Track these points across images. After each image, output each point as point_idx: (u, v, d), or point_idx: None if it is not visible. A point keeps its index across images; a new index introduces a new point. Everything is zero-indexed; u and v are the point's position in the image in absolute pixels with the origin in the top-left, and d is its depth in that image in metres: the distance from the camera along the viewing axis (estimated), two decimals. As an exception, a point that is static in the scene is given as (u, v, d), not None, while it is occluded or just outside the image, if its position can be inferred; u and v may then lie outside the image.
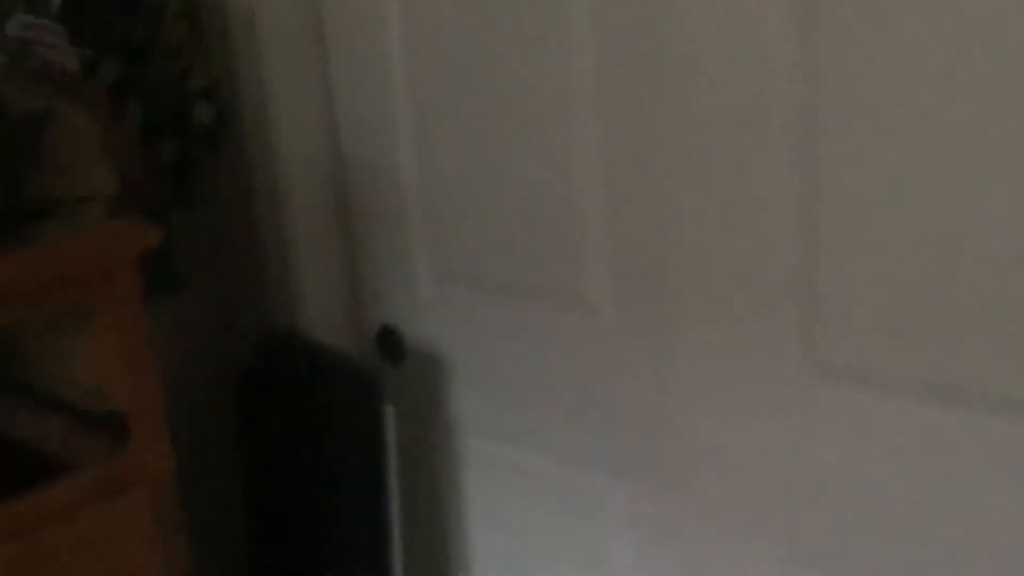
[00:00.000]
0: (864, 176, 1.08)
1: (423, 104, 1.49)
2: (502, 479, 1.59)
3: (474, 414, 1.59)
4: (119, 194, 1.43)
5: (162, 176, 1.65)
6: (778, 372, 1.21)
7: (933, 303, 1.07)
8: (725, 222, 1.21)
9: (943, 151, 1.02)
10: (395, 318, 1.65)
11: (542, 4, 1.30)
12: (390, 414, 1.50)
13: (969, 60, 0.98)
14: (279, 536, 1.62)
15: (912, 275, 1.08)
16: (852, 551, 1.20)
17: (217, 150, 1.66)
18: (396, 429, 1.52)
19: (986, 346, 1.05)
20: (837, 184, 1.10)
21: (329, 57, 1.59)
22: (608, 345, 1.38)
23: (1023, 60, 0.95)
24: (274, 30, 1.57)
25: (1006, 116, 0.98)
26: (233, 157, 1.65)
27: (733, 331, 1.24)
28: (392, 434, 1.50)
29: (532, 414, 1.51)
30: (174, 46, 1.58)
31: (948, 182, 1.03)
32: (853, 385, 1.15)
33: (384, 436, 1.50)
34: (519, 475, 1.56)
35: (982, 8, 0.96)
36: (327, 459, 1.54)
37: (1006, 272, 1.01)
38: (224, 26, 1.59)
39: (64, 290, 1.14)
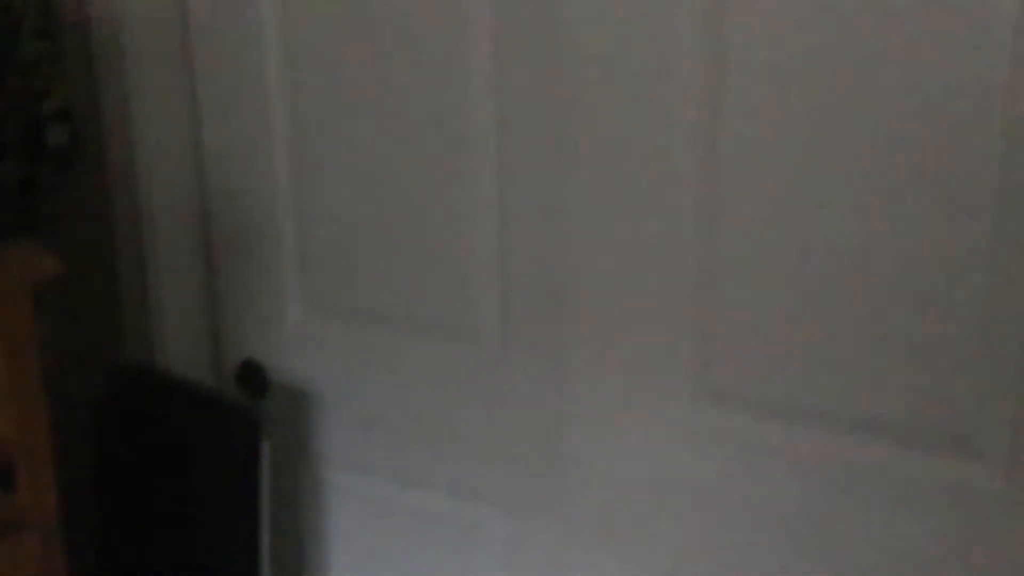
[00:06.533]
0: (759, 211, 1.17)
1: (298, 126, 1.48)
2: (371, 513, 1.59)
3: (342, 448, 1.58)
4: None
5: (5, 198, 1.56)
6: (671, 401, 1.28)
7: (808, 336, 1.18)
8: (620, 254, 1.27)
9: (834, 189, 1.13)
10: (260, 350, 1.62)
11: (435, 19, 1.31)
12: (266, 450, 1.47)
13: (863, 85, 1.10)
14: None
15: (793, 311, 1.18)
16: (738, 570, 1.29)
17: (67, 173, 1.58)
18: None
19: (854, 375, 1.16)
20: (734, 219, 1.19)
21: (197, 77, 1.55)
22: (495, 376, 1.41)
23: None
24: (139, 49, 1.52)
25: (879, 145, 1.09)
26: (90, 180, 1.57)
27: (626, 362, 1.30)
28: (267, 470, 1.48)
29: (406, 446, 1.52)
30: (30, 64, 1.50)
31: (834, 220, 1.13)
32: (743, 411, 1.24)
33: (258, 472, 1.47)
34: (389, 508, 1.57)
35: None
36: (197, 495, 1.49)
37: (879, 305, 1.13)
38: (86, 46, 1.52)
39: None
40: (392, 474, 1.55)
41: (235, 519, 1.48)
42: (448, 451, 1.48)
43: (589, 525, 1.39)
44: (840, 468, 1.20)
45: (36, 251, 1.11)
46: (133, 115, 1.52)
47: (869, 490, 1.18)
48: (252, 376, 1.62)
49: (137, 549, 1.57)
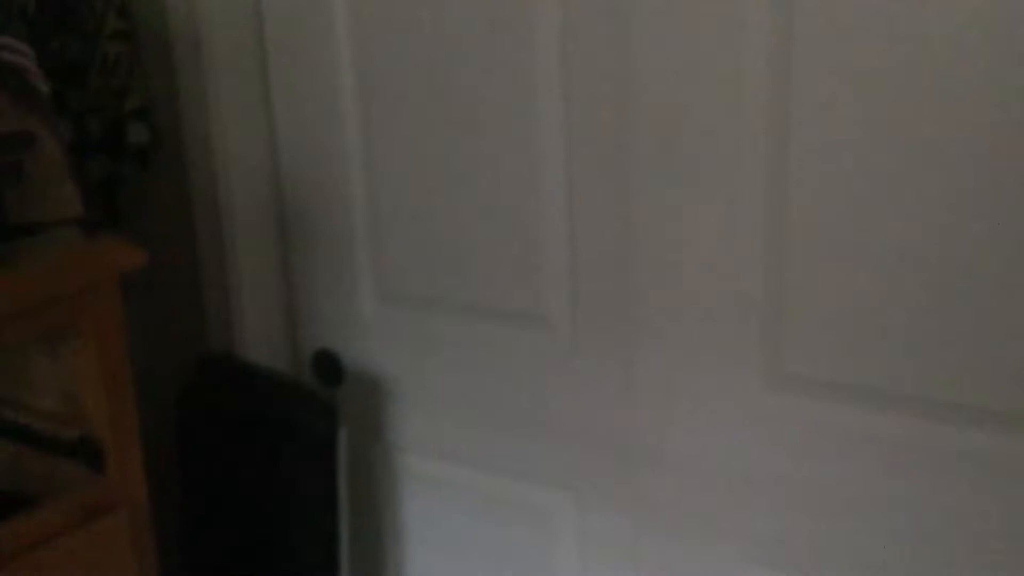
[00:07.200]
0: (828, 200, 1.18)
1: (370, 120, 1.51)
2: (445, 497, 1.61)
3: (415, 434, 1.61)
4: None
5: (90, 194, 1.61)
6: (741, 384, 1.29)
7: (884, 318, 1.18)
8: (689, 240, 1.28)
9: (897, 181, 1.13)
10: (335, 340, 1.66)
11: (502, 20, 1.34)
12: (343, 436, 1.50)
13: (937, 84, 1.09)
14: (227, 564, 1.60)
15: (865, 292, 1.18)
16: (810, 556, 1.30)
17: (147, 169, 1.63)
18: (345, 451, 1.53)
19: (932, 357, 1.16)
20: (805, 201, 1.19)
21: (272, 74, 1.60)
22: (566, 363, 1.43)
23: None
24: (215, 47, 1.56)
25: (957, 145, 1.09)
26: (169, 176, 1.62)
27: (696, 346, 1.31)
28: (345, 455, 1.51)
29: (478, 432, 1.54)
30: (110, 65, 1.55)
31: (906, 202, 1.13)
32: (814, 395, 1.24)
33: (336, 457, 1.51)
34: (462, 493, 1.59)
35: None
36: (277, 480, 1.53)
37: (952, 290, 1.12)
38: (165, 46, 1.57)
39: (50, 310, 1.11)
40: (465, 460, 1.57)
41: (314, 503, 1.52)
42: (520, 437, 1.50)
43: (661, 511, 1.40)
44: (914, 451, 1.19)
45: (121, 243, 1.16)
46: (210, 112, 1.57)
47: (945, 473, 1.18)
48: (327, 365, 1.66)
49: (218, 531, 1.62)
